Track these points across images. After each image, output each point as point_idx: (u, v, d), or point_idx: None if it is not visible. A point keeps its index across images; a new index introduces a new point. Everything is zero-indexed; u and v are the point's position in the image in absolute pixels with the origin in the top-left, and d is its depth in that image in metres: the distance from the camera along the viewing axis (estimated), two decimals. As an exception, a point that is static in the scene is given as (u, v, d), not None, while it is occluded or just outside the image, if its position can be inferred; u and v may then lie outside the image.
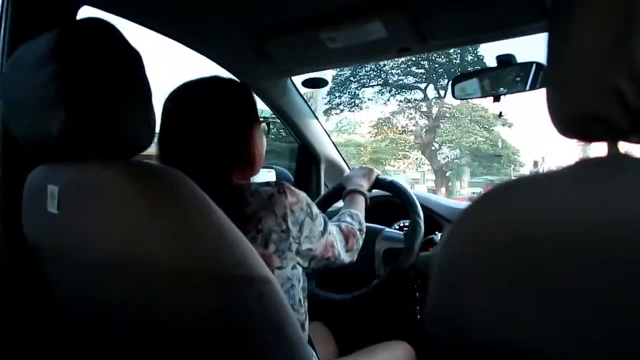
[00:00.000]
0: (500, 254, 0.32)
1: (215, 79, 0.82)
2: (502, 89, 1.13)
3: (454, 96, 1.23)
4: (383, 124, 14.22)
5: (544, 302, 0.30)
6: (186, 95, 0.79)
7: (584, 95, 0.32)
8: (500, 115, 1.19)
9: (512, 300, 0.31)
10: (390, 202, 1.49)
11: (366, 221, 1.20)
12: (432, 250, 1.30)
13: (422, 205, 1.21)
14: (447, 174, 14.05)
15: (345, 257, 0.93)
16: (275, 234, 0.72)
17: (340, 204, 1.27)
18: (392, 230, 1.34)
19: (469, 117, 13.21)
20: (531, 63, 1.07)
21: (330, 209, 1.39)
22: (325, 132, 1.71)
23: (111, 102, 0.55)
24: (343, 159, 1.79)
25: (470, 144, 13.55)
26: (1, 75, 0.69)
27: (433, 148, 13.78)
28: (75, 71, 0.53)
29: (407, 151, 14.27)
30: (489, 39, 1.11)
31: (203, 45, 1.24)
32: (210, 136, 0.76)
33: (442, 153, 13.95)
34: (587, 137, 0.33)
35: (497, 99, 1.13)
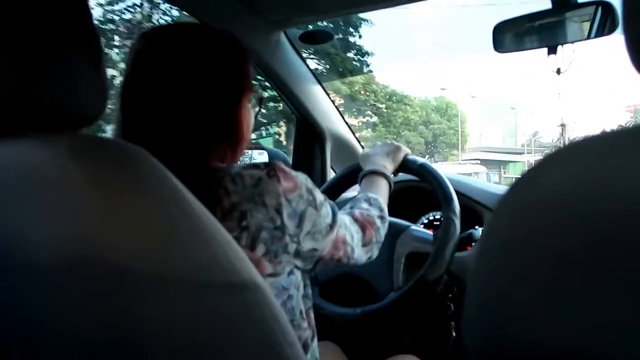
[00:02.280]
0: (568, 234, 0.31)
1: (198, 26, 0.82)
2: (559, 37, 1.11)
3: (496, 49, 1.21)
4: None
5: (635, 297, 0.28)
6: (156, 44, 0.78)
7: None
8: (558, 72, 1.17)
9: (588, 298, 0.30)
10: (418, 189, 1.50)
11: (390, 214, 1.20)
12: (470, 250, 1.31)
13: (458, 193, 1.22)
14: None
15: (362, 255, 0.93)
16: (266, 231, 0.72)
17: (353, 193, 1.28)
18: (420, 229, 1.34)
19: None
20: (597, 2, 1.05)
21: (339, 199, 1.39)
22: (332, 101, 1.72)
23: (47, 60, 0.54)
24: (355, 136, 1.79)
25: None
26: None
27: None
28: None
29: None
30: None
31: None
32: (185, 100, 0.76)
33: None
34: None
35: (552, 50, 1.11)
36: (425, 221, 1.52)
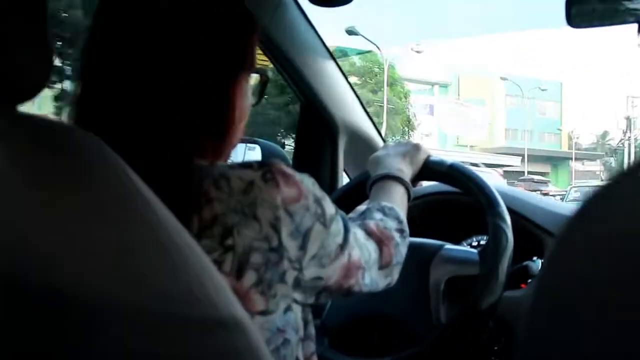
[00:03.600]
0: None
1: None
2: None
3: (570, 23, 1.21)
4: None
5: None
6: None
7: None
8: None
9: None
10: (454, 205, 1.48)
11: (416, 235, 1.18)
12: (526, 288, 1.30)
13: (509, 210, 1.21)
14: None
15: (379, 281, 0.95)
16: (258, 254, 0.72)
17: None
18: (459, 247, 1.35)
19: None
20: None
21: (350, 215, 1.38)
22: (348, 81, 1.72)
23: None
24: (378, 130, 1.79)
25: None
26: None
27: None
28: None
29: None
30: None
31: None
32: (159, 74, 0.76)
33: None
34: None
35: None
36: (467, 247, 1.50)
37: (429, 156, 1.25)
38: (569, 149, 42.56)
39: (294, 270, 0.75)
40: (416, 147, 1.25)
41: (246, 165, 0.76)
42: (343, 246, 0.82)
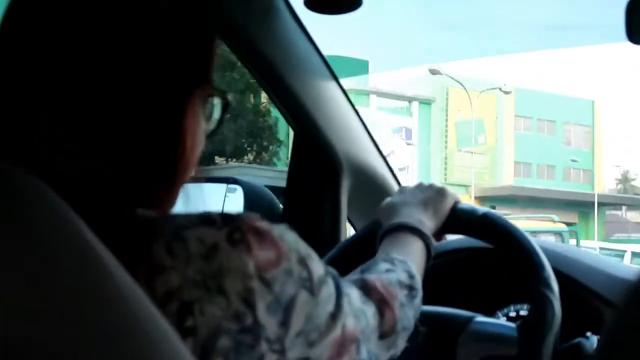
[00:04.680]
0: None
1: None
2: None
3: (631, 38, 1.21)
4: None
5: None
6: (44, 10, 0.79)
7: None
8: None
9: None
10: (486, 263, 1.51)
11: (438, 302, 1.24)
12: None
13: (556, 272, 1.22)
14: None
15: (380, 354, 0.96)
16: (228, 336, 0.71)
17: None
18: (492, 321, 1.36)
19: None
20: None
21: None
22: (353, 106, 1.74)
23: None
24: (392, 170, 1.82)
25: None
26: None
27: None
28: None
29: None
30: None
31: None
32: (88, 94, 0.76)
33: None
34: None
35: None
36: (503, 318, 1.51)
37: (456, 203, 1.28)
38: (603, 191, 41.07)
39: (274, 354, 0.73)
40: (440, 193, 1.27)
41: (206, 220, 0.74)
42: (335, 315, 0.82)
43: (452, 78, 23.24)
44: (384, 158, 1.82)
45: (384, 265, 1.04)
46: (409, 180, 28.77)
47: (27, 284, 0.54)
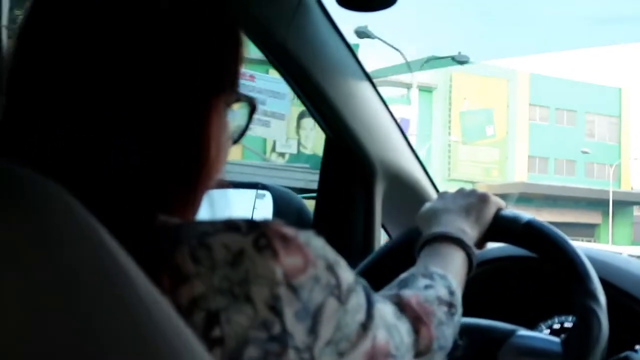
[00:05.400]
0: None
1: None
2: None
3: None
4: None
5: None
6: (60, 5, 0.82)
7: None
8: None
9: None
10: (528, 272, 1.57)
11: (478, 313, 1.29)
12: None
13: (603, 283, 1.26)
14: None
15: None
16: (255, 345, 0.72)
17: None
18: (535, 335, 1.40)
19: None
20: None
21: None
22: (388, 110, 1.83)
23: None
24: (429, 175, 1.88)
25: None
26: None
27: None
28: None
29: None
30: None
31: None
32: (106, 101, 0.78)
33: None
34: None
35: None
36: (547, 331, 1.57)
37: (499, 210, 1.31)
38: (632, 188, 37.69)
39: None
40: (483, 199, 1.30)
41: (231, 226, 0.76)
42: (366, 325, 0.84)
43: (387, 43, 21.52)
44: (421, 162, 1.87)
45: (423, 281, 1.06)
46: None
47: (47, 291, 0.55)
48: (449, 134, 34.50)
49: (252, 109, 0.95)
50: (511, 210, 1.33)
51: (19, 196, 0.59)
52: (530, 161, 37.74)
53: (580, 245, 1.33)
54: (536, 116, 37.87)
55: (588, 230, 32.36)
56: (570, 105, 37.53)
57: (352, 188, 1.83)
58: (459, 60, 22.70)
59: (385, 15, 1.65)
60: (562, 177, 36.97)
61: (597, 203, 35.30)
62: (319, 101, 1.74)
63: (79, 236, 0.59)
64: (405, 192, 1.87)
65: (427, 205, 1.36)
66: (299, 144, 27.02)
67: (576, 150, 37.39)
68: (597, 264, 1.31)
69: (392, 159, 1.84)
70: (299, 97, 1.77)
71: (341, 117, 1.75)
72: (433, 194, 1.88)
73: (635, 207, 37.12)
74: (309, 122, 26.83)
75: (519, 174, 35.87)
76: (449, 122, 35.20)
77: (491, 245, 1.46)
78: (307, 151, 26.81)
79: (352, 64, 1.76)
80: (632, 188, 38.66)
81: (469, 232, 1.24)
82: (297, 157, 26.10)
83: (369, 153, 1.80)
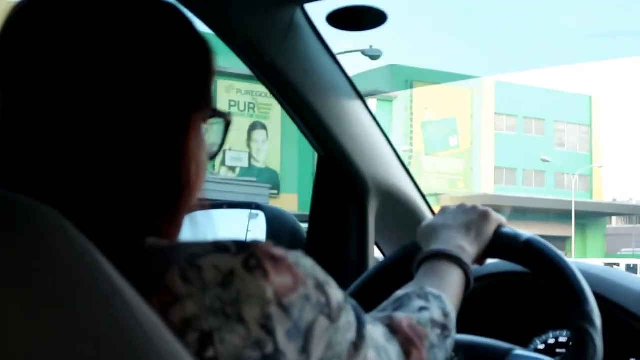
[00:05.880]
0: None
1: None
2: None
3: None
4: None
5: None
6: (35, 19, 0.86)
7: None
8: None
9: None
10: (522, 286, 1.65)
11: (472, 329, 1.36)
12: None
13: (598, 297, 1.32)
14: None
15: None
16: None
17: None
18: (532, 355, 1.46)
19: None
20: None
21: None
22: (380, 128, 1.92)
23: None
24: (422, 194, 1.97)
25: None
26: None
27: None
28: None
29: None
30: None
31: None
32: (83, 123, 0.82)
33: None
34: None
35: None
36: (542, 346, 1.65)
37: (499, 227, 1.38)
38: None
39: None
40: (484, 216, 1.36)
41: (220, 247, 0.80)
42: (357, 345, 0.89)
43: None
44: (414, 181, 1.97)
45: (417, 303, 1.11)
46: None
47: (44, 308, 0.59)
48: (411, 144, 34.19)
49: (227, 124, 0.99)
50: (510, 227, 1.39)
51: (19, 221, 0.63)
52: (497, 172, 37.97)
53: (574, 261, 1.38)
54: (503, 125, 38.06)
55: (559, 244, 31.63)
56: (538, 114, 37.80)
57: (345, 206, 1.91)
58: (370, 55, 22.28)
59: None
60: (531, 188, 37.21)
61: (568, 215, 35.90)
62: (310, 119, 1.83)
63: (75, 258, 0.63)
64: (398, 209, 1.96)
65: (428, 220, 1.42)
66: (250, 157, 26.80)
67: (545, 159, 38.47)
68: (592, 278, 1.40)
69: (384, 176, 1.93)
70: (288, 114, 1.86)
71: (333, 135, 1.85)
72: (426, 211, 1.96)
73: (608, 219, 37.00)
74: (261, 135, 26.72)
75: (486, 186, 36.06)
76: (411, 132, 35.15)
77: (493, 265, 1.57)
78: (259, 164, 26.69)
79: (342, 82, 1.86)
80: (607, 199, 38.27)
81: (468, 249, 1.30)
82: (249, 170, 25.86)
83: (361, 170, 1.89)
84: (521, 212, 32.58)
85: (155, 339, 0.64)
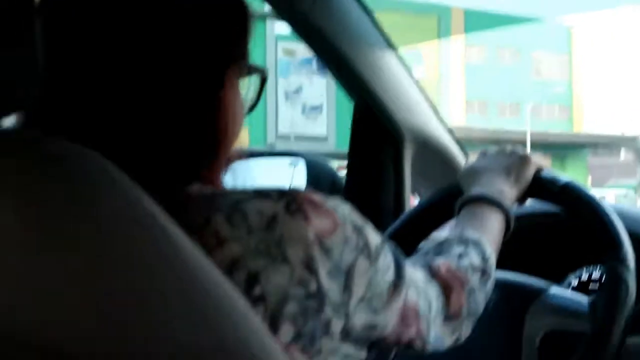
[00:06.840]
0: None
1: None
2: None
3: None
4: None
5: None
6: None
7: None
8: None
9: None
10: (562, 227, 1.67)
11: (509, 266, 1.37)
12: None
13: (633, 236, 1.35)
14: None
15: (444, 336, 1.08)
16: (294, 303, 0.81)
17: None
18: (567, 293, 1.48)
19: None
20: None
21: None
22: (412, 77, 1.94)
23: None
24: (456, 139, 1.99)
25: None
26: None
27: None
28: None
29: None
30: None
31: None
32: (122, 80, 0.86)
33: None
34: None
35: None
36: (575, 282, 1.66)
37: (538, 170, 1.40)
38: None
39: (339, 319, 0.84)
40: (524, 160, 1.38)
41: (262, 194, 0.84)
42: (397, 284, 0.93)
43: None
44: (448, 128, 1.98)
45: (457, 249, 1.13)
46: (324, 121, 25.23)
47: (88, 241, 0.60)
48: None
49: (263, 80, 1.01)
50: (550, 171, 1.41)
51: (59, 160, 0.65)
52: (468, 105, 36.37)
53: (612, 203, 1.40)
54: (473, 56, 36.45)
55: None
56: (513, 44, 35.87)
57: (381, 154, 1.95)
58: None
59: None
60: (507, 118, 35.68)
61: (547, 147, 34.07)
62: (345, 70, 1.86)
63: (117, 193, 0.65)
64: (434, 157, 1.98)
65: (469, 163, 1.47)
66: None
67: (522, 90, 36.74)
68: (629, 219, 1.43)
69: (419, 124, 1.96)
70: (326, 66, 1.91)
71: (365, 83, 1.86)
72: (461, 158, 1.99)
73: (590, 150, 35.19)
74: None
75: (456, 118, 33.81)
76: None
77: (530, 205, 1.57)
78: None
79: (374, 33, 1.87)
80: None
81: (508, 192, 1.32)
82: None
83: (397, 119, 1.92)
84: (495, 144, 31.36)
85: (202, 275, 0.66)
